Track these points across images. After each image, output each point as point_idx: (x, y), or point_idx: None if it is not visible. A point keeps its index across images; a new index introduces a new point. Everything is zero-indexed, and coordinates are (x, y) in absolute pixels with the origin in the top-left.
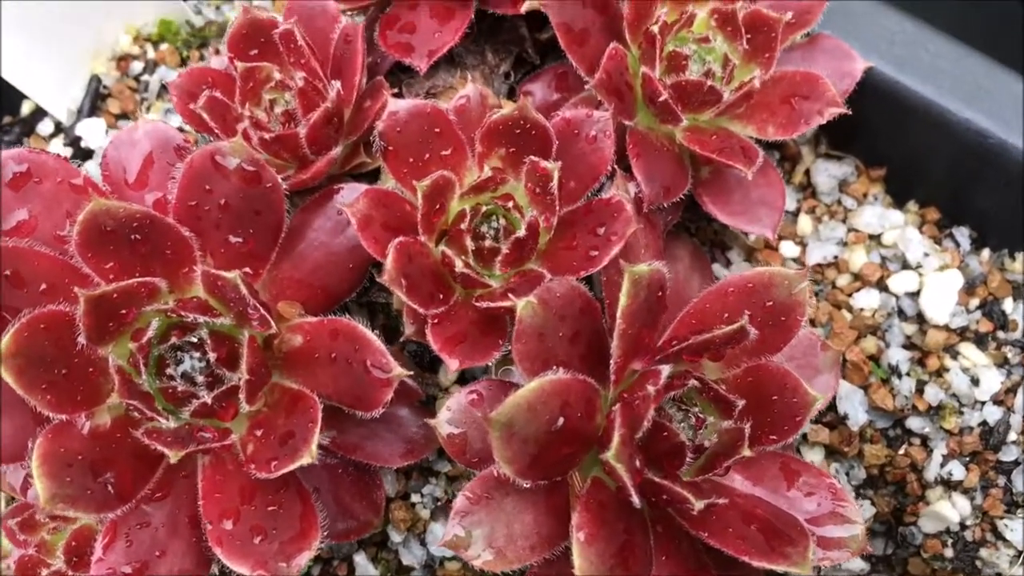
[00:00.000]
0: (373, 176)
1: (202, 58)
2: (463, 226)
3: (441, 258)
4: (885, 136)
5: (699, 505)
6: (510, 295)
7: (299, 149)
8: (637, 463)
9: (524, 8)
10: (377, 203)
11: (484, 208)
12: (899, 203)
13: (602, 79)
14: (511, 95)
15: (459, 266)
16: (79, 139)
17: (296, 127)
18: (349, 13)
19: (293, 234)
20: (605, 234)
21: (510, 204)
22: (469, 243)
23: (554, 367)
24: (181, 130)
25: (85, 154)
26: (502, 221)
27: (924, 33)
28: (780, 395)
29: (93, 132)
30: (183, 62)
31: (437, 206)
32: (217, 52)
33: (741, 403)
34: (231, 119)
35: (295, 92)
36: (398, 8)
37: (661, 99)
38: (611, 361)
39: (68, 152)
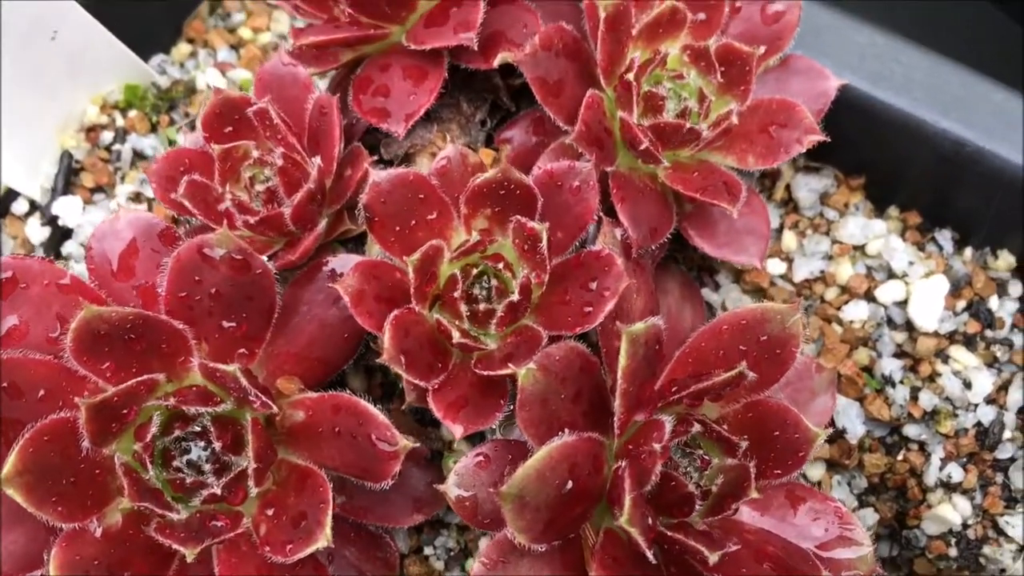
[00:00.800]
0: (359, 240)
1: (172, 122)
2: (456, 293)
3: (437, 325)
4: (862, 146)
5: (713, 558)
6: (509, 363)
7: (284, 227)
8: (649, 520)
9: (496, 62)
10: (368, 276)
11: (475, 270)
12: (880, 208)
13: (581, 131)
14: (489, 143)
15: (456, 336)
16: (56, 217)
17: (280, 206)
18: (316, 75)
19: (286, 309)
20: (598, 289)
21: (500, 264)
22: (463, 308)
23: (559, 431)
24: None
25: (64, 233)
26: (494, 281)
27: (895, 45)
28: (781, 431)
29: (70, 210)
30: (153, 127)
31: (428, 275)
32: (188, 116)
33: (744, 444)
34: (213, 201)
35: (275, 170)
36: (369, 70)
37: (642, 147)
38: (614, 416)
39: (47, 232)
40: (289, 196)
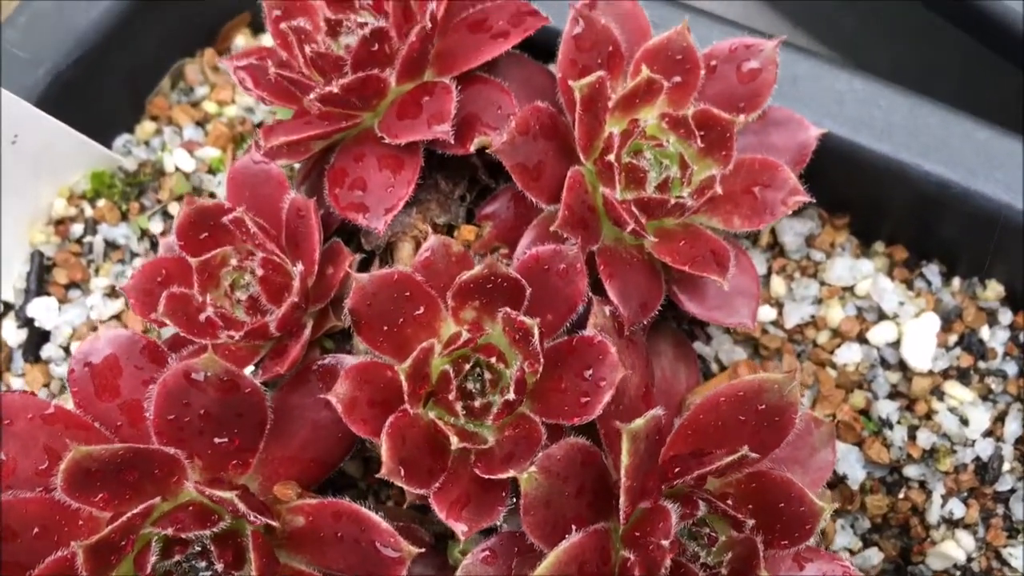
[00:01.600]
0: (345, 333)
1: (142, 208)
2: (451, 394)
3: (432, 426)
4: (846, 187)
5: None
6: (510, 466)
7: (269, 336)
8: None
9: (473, 147)
10: (359, 381)
11: (467, 365)
12: (866, 243)
13: (566, 216)
14: (470, 218)
15: (455, 442)
16: (32, 319)
17: (263, 315)
18: (287, 166)
19: (278, 414)
20: (593, 378)
21: (493, 358)
22: (459, 407)
23: (566, 529)
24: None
25: (42, 335)
26: (487, 374)
27: (874, 88)
28: (786, 503)
29: (45, 312)
30: (123, 215)
31: (421, 377)
32: (158, 202)
33: (751, 522)
34: (193, 312)
35: (256, 278)
36: (343, 160)
37: (629, 228)
38: (619, 508)
39: (23, 334)
40: (272, 303)
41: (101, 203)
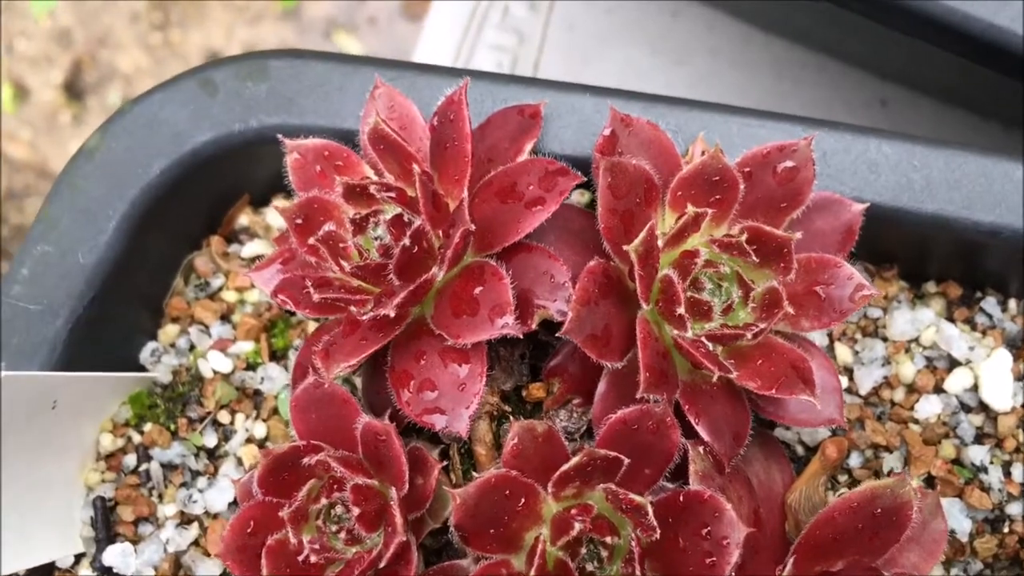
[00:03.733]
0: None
1: (190, 423)
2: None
3: None
4: (891, 244)
5: None
6: None
7: (376, 566)
8: None
9: (535, 325)
10: None
11: (582, 549)
12: (916, 286)
13: (648, 379)
14: (535, 375)
15: None
16: (110, 568)
17: (363, 543)
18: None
19: None
20: (714, 537)
21: (606, 537)
22: None
23: None
24: None
25: None
26: (602, 551)
27: (906, 148)
28: None
29: (122, 559)
30: (173, 434)
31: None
32: (207, 413)
33: None
34: (292, 556)
35: (349, 511)
36: (403, 362)
37: (717, 375)
38: None
39: None
40: (369, 531)
41: (147, 427)
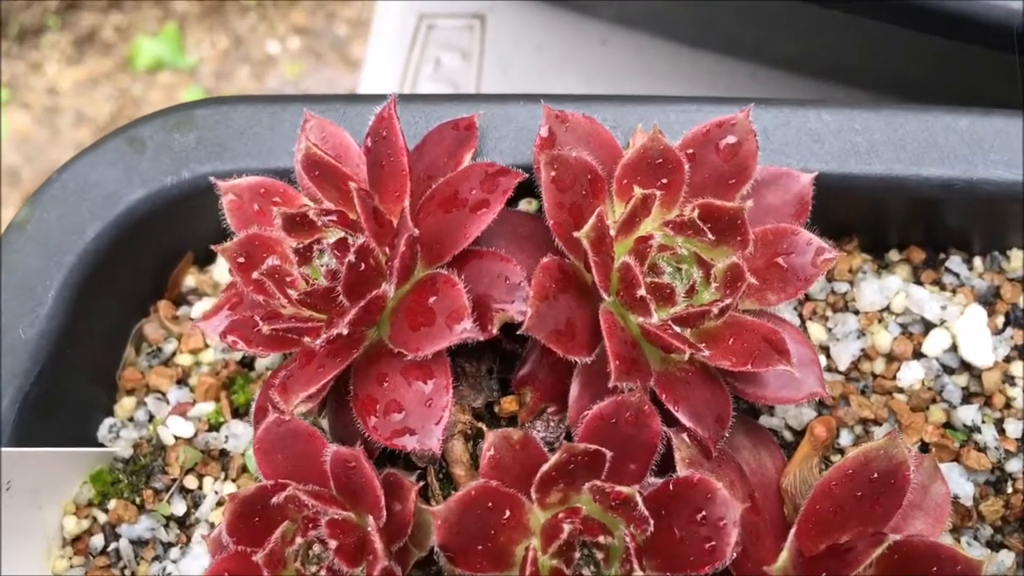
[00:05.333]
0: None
1: (156, 494)
2: None
3: None
4: (845, 214)
5: None
6: None
7: None
8: None
9: (496, 330)
10: None
11: (576, 553)
12: (879, 257)
13: (619, 367)
14: (505, 390)
15: None
16: None
17: None
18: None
19: None
20: (711, 519)
21: (599, 536)
22: None
23: None
24: None
25: None
26: (597, 553)
27: (845, 114)
28: (939, 567)
29: None
30: (140, 507)
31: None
32: (172, 481)
33: None
34: None
35: (327, 547)
36: (365, 388)
37: (689, 355)
38: None
39: None
40: (352, 566)
41: (112, 504)
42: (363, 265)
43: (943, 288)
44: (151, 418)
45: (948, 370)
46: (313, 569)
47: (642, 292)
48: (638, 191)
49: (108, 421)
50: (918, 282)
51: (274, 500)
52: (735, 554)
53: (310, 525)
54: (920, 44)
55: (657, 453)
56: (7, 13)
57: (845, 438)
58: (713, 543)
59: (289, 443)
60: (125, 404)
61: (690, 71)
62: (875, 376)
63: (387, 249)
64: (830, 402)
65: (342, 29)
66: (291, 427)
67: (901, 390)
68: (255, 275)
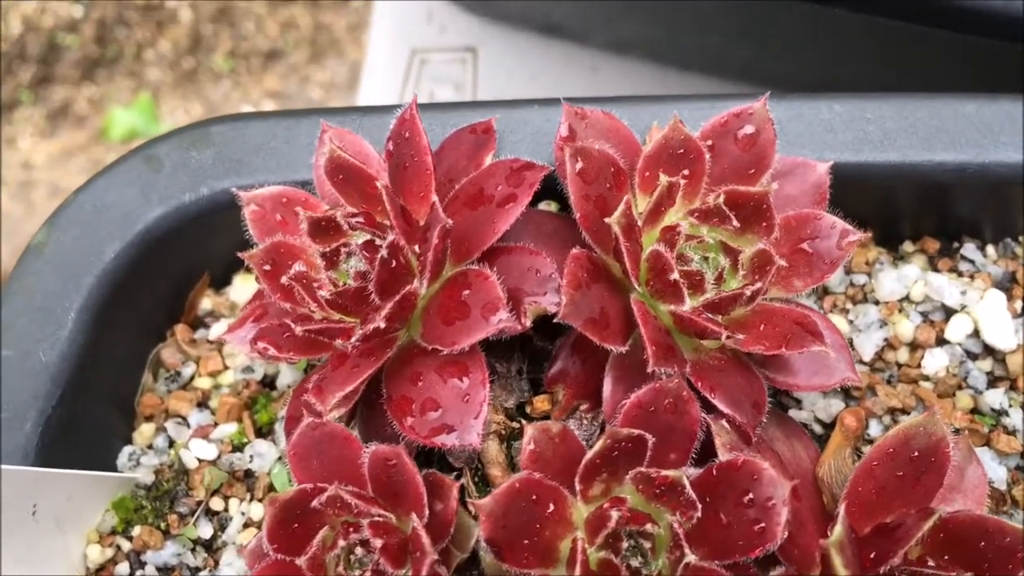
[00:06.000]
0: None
1: (181, 518)
2: (616, 567)
3: None
4: (861, 204)
5: None
6: None
7: None
8: None
9: (529, 322)
10: None
11: (623, 544)
12: (894, 249)
13: (656, 352)
14: (536, 389)
15: None
16: None
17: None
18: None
19: None
20: (759, 501)
21: (647, 525)
22: None
23: None
24: None
25: None
26: (644, 542)
27: (856, 104)
28: (986, 540)
29: None
30: (165, 533)
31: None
32: (197, 504)
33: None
34: None
35: (372, 549)
36: (400, 389)
37: (724, 337)
38: None
39: None
40: (396, 567)
41: (136, 531)
42: (395, 262)
43: (960, 275)
44: (171, 444)
45: (972, 356)
46: (356, 573)
47: (675, 276)
48: (663, 178)
49: (127, 449)
50: (935, 270)
51: (315, 502)
52: (785, 533)
53: (351, 529)
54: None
55: (697, 442)
56: None
57: (875, 428)
58: (762, 524)
59: (325, 447)
60: (144, 431)
61: (677, 91)
62: (900, 365)
63: (416, 248)
64: (858, 393)
65: (316, 92)
66: (326, 431)
67: (927, 378)
68: (283, 280)
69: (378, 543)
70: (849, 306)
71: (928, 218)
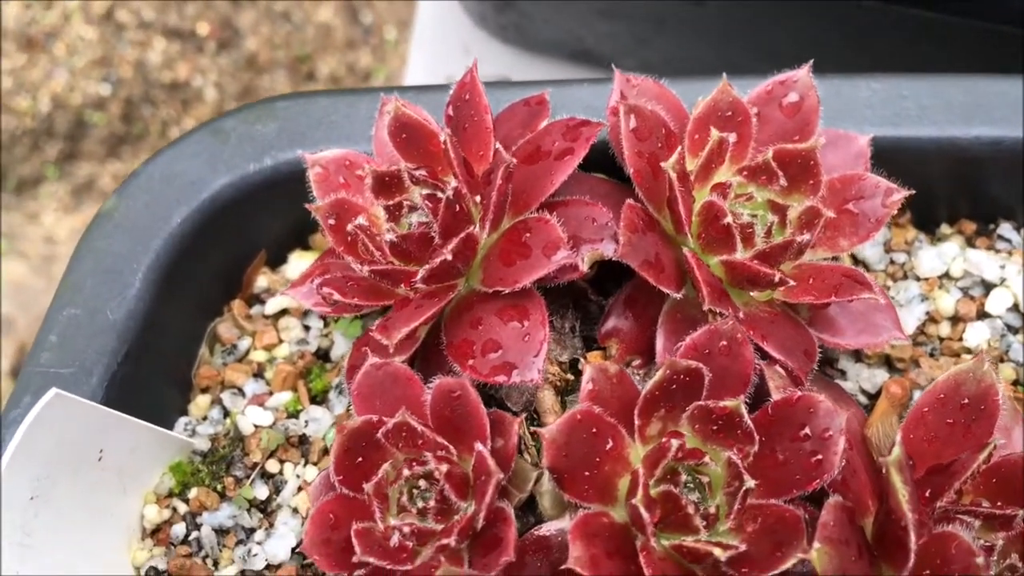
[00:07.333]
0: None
1: (237, 481)
2: (686, 512)
3: (681, 550)
4: (902, 182)
5: None
6: (784, 559)
7: (474, 532)
8: None
9: (587, 267)
10: (588, 538)
11: (681, 478)
12: (931, 232)
13: (710, 293)
14: (588, 347)
15: (720, 555)
16: None
17: (452, 517)
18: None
19: None
20: (815, 434)
21: (706, 458)
22: (697, 521)
23: None
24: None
25: None
26: (703, 478)
27: (892, 82)
28: None
29: None
30: (222, 495)
31: (652, 510)
32: (253, 466)
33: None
34: (383, 541)
35: (437, 478)
36: (460, 334)
37: (776, 279)
38: (909, 547)
39: None
40: (460, 498)
41: (193, 492)
42: (458, 206)
43: (997, 252)
44: (226, 415)
45: (1012, 329)
46: (420, 504)
47: (728, 220)
48: (715, 132)
49: (183, 420)
50: (973, 248)
51: (381, 432)
52: (843, 462)
53: (414, 462)
54: None
55: (751, 386)
56: (7, 166)
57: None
58: (819, 456)
59: (388, 386)
60: (200, 402)
61: None
62: (942, 339)
63: (477, 199)
64: (902, 365)
65: None
66: (390, 370)
67: (969, 350)
68: (349, 228)
69: (444, 468)
70: (890, 283)
71: (964, 199)
